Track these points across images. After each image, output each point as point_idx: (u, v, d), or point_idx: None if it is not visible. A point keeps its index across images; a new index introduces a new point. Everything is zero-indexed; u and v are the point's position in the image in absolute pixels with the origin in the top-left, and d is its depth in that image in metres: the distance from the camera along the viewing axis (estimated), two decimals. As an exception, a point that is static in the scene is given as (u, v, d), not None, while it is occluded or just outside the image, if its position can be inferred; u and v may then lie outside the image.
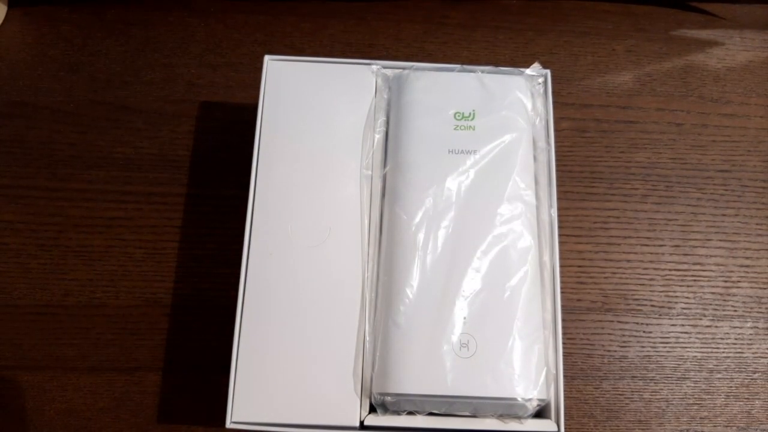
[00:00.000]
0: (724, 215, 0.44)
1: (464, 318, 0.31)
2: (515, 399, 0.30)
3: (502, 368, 0.30)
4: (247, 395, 0.31)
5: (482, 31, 0.49)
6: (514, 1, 0.50)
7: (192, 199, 0.43)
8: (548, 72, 0.37)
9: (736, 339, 0.41)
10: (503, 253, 0.32)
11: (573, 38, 0.48)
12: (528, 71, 0.37)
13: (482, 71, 0.36)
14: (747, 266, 0.43)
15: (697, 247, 0.43)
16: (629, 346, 0.41)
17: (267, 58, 0.37)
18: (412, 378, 0.30)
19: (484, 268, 0.32)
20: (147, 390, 0.39)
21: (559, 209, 0.35)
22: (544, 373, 0.31)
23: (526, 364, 0.30)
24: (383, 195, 0.35)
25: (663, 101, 0.47)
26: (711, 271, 0.43)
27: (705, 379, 0.40)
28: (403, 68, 0.37)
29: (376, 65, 0.37)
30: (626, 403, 0.40)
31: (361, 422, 0.31)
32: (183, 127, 0.45)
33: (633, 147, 0.45)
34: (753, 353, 0.41)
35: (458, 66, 0.37)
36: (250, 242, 0.34)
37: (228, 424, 0.31)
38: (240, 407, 0.31)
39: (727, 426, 0.40)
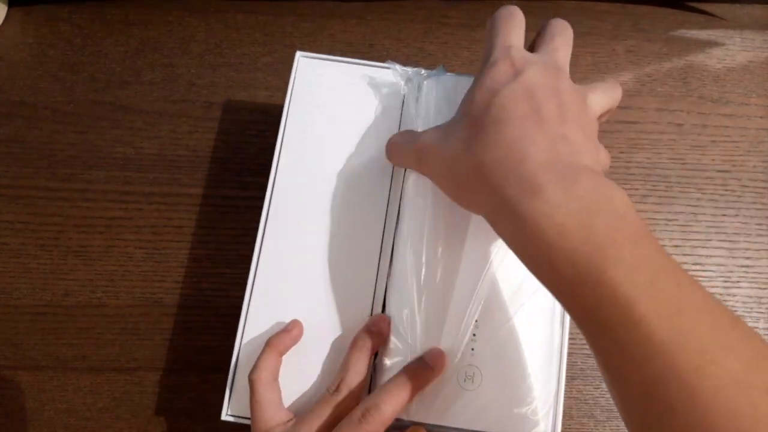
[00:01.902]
0: (724, 215, 0.44)
1: (472, 350, 0.30)
2: None
3: (506, 403, 0.30)
4: (245, 390, 0.31)
5: (482, 31, 0.48)
6: (513, 1, 0.50)
7: (192, 199, 0.43)
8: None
9: (736, 339, 0.41)
10: (511, 277, 0.31)
11: (573, 38, 0.48)
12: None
13: None
14: (747, 266, 0.43)
15: (697, 247, 0.43)
16: (629, 346, 0.41)
17: (299, 54, 0.37)
18: (417, 406, 0.30)
19: (492, 292, 0.31)
20: (147, 390, 0.39)
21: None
22: (548, 407, 0.30)
23: (530, 399, 0.30)
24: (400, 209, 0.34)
25: (663, 101, 0.47)
26: (711, 271, 0.43)
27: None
28: (427, 74, 0.36)
29: (402, 68, 0.36)
30: (626, 403, 0.40)
31: None
32: (183, 127, 0.45)
33: (633, 147, 0.45)
34: (753, 353, 0.41)
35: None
36: (263, 242, 0.34)
37: (223, 416, 0.32)
38: (237, 401, 0.32)
39: None
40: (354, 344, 0.31)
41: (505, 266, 0.31)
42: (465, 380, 0.30)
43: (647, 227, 0.23)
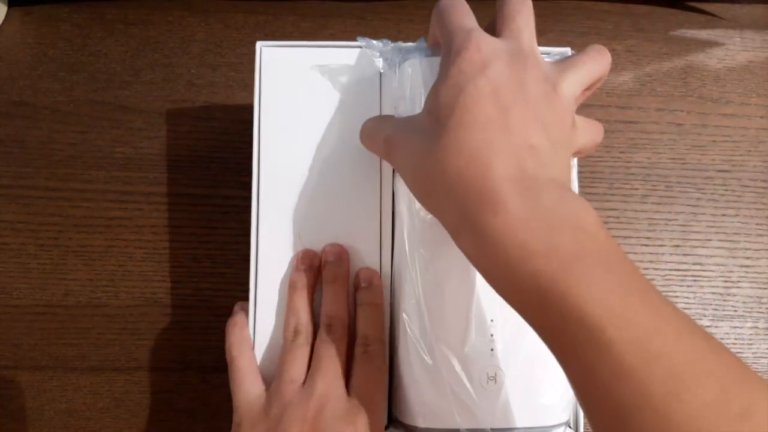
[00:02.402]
0: (724, 215, 0.44)
1: (491, 350, 0.30)
2: (547, 427, 0.30)
3: (530, 397, 0.29)
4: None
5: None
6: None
7: (192, 199, 0.43)
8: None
9: (736, 339, 0.41)
10: None
11: (573, 38, 0.48)
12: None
13: None
14: (747, 266, 0.43)
15: (697, 247, 0.43)
16: (629, 346, 0.41)
17: (259, 44, 0.34)
18: (444, 412, 0.29)
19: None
20: (147, 390, 0.39)
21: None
22: (570, 397, 0.30)
23: (552, 391, 0.30)
24: (395, 194, 0.33)
25: (663, 101, 0.47)
26: (711, 271, 0.43)
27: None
28: (407, 49, 0.33)
29: (377, 42, 0.33)
30: (626, 403, 0.40)
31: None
32: (183, 127, 0.45)
33: (633, 147, 0.45)
34: (753, 353, 0.41)
35: None
36: (258, 240, 0.33)
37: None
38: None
39: None
40: (291, 286, 0.32)
41: None
42: (488, 381, 0.29)
43: (617, 245, 0.22)
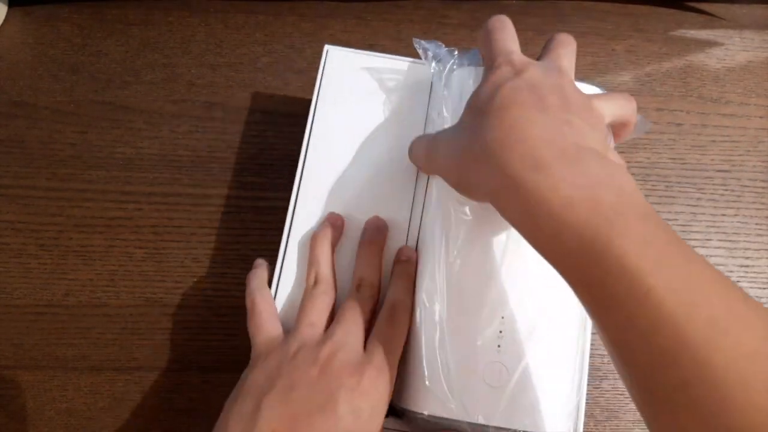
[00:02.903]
0: (723, 215, 0.44)
1: (498, 346, 0.30)
2: None
3: (534, 401, 0.29)
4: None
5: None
6: (513, 1, 0.50)
7: (192, 199, 0.43)
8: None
9: (735, 339, 0.42)
10: (539, 272, 0.30)
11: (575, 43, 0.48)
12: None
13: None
14: (747, 266, 0.43)
15: (696, 247, 0.43)
16: (629, 346, 0.41)
17: (327, 47, 0.37)
18: (446, 404, 0.29)
19: (521, 287, 0.30)
20: (147, 390, 0.39)
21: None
22: (573, 404, 0.30)
23: (556, 397, 0.30)
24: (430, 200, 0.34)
25: (663, 101, 0.47)
26: (711, 271, 0.43)
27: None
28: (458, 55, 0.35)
29: (431, 44, 0.36)
30: (626, 403, 0.40)
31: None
32: (183, 127, 0.45)
33: (633, 147, 0.45)
34: (752, 353, 0.41)
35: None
36: (290, 235, 0.34)
37: None
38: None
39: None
40: (314, 238, 0.33)
41: (533, 260, 0.30)
42: (491, 377, 0.29)
43: (652, 206, 0.23)
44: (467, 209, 0.31)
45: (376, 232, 0.33)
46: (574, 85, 0.27)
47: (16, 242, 0.42)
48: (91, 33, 0.47)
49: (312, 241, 0.33)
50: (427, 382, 0.29)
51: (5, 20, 0.48)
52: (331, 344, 0.29)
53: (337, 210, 0.34)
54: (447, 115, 0.32)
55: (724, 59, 0.48)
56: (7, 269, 0.41)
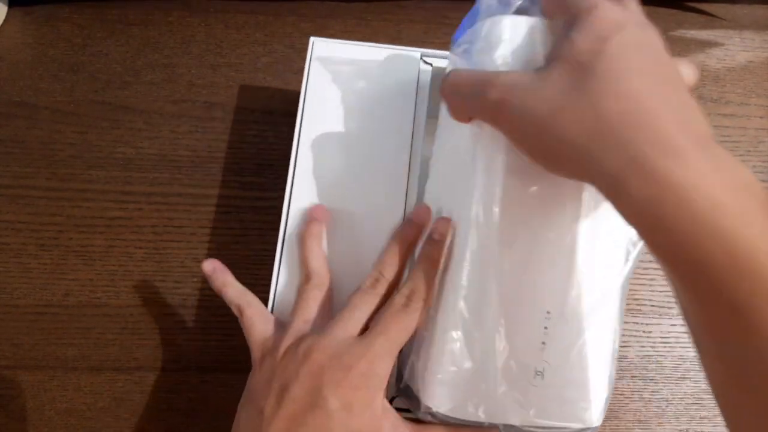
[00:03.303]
0: (723, 215, 0.44)
1: (543, 343, 0.28)
2: (585, 428, 0.29)
3: (570, 397, 0.28)
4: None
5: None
6: None
7: (192, 199, 0.43)
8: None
9: (735, 339, 0.42)
10: (587, 268, 0.28)
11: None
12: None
13: None
14: (747, 266, 0.43)
15: (696, 247, 0.43)
16: (629, 346, 0.41)
17: (312, 39, 0.37)
18: (488, 406, 0.28)
19: (568, 284, 0.28)
20: (147, 390, 0.39)
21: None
22: (603, 399, 0.29)
23: (589, 393, 0.28)
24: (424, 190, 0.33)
25: (663, 101, 0.47)
26: (711, 271, 0.43)
27: (705, 378, 0.40)
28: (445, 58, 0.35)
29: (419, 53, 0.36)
30: (626, 403, 0.40)
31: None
32: (183, 127, 0.45)
33: (633, 147, 0.45)
34: (752, 353, 0.41)
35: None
36: (285, 237, 0.34)
37: None
38: None
39: (726, 426, 0.40)
40: (301, 237, 0.32)
41: (582, 255, 0.27)
42: (535, 376, 0.28)
43: None
44: (527, 181, 0.27)
45: (412, 226, 0.31)
46: (664, 47, 0.24)
47: (16, 242, 0.42)
48: (92, 33, 0.47)
49: (299, 240, 0.33)
50: (452, 378, 0.28)
51: (5, 20, 0.48)
52: (318, 339, 0.28)
53: (331, 203, 0.34)
54: (504, 63, 0.27)
55: (724, 59, 0.48)
56: (7, 269, 0.41)
